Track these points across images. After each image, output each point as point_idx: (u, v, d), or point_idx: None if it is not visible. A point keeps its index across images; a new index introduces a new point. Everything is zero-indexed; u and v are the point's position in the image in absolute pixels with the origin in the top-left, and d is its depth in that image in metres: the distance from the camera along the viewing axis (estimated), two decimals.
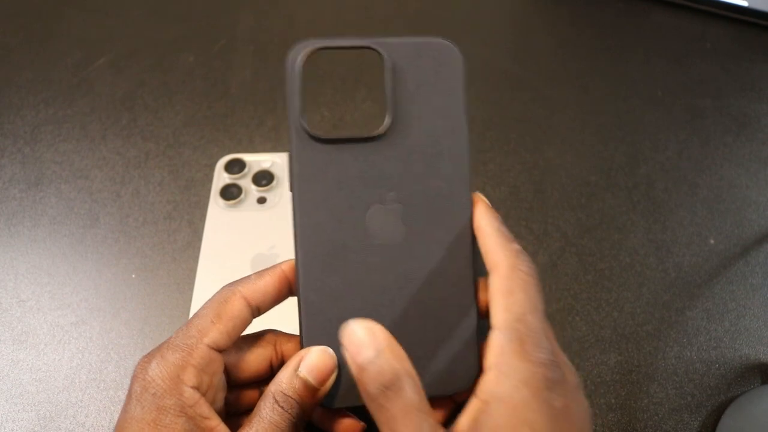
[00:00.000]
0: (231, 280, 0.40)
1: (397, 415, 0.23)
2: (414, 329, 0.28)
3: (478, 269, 0.28)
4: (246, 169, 0.44)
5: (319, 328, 0.27)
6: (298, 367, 0.26)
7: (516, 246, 0.27)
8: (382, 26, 0.58)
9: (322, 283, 0.28)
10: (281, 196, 0.43)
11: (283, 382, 0.25)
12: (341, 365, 0.26)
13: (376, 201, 0.28)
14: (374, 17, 0.59)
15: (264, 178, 0.43)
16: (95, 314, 0.39)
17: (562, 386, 0.24)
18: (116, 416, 0.35)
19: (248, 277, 0.28)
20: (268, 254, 0.40)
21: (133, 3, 0.59)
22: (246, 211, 0.42)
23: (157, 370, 0.25)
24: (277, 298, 0.28)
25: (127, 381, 0.36)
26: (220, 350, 0.26)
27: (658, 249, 0.43)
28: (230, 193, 0.42)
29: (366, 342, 0.24)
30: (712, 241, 0.43)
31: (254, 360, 0.28)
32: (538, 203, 0.45)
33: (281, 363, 0.29)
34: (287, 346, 0.29)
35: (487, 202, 0.29)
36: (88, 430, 0.34)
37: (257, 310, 0.28)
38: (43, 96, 0.51)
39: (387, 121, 0.28)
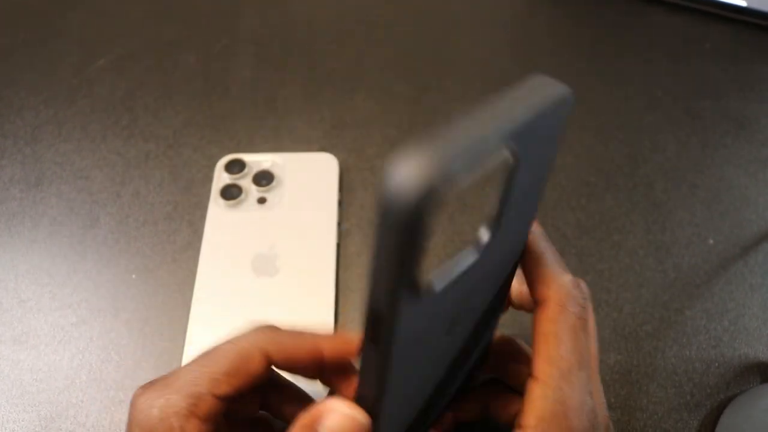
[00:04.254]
0: (231, 281, 0.40)
1: None
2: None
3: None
4: (246, 170, 0.44)
5: None
6: (314, 424, 0.22)
7: (568, 278, 0.24)
8: (382, 27, 0.58)
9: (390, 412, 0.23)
10: (281, 196, 0.43)
11: None
12: None
13: (447, 330, 0.22)
14: (374, 18, 0.59)
15: (264, 178, 0.43)
16: (95, 314, 0.39)
17: None
18: (117, 416, 0.35)
19: (281, 331, 0.25)
20: (269, 254, 0.40)
21: (133, 3, 0.59)
22: (246, 212, 0.42)
23: (158, 414, 0.23)
24: (299, 371, 0.26)
25: (128, 381, 0.36)
26: (227, 400, 0.25)
27: (657, 249, 0.43)
28: (230, 193, 0.43)
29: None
30: (711, 242, 0.43)
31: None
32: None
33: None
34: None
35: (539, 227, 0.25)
36: (89, 430, 0.34)
37: (275, 366, 0.25)
38: (43, 96, 0.51)
39: (489, 235, 0.20)
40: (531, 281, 0.24)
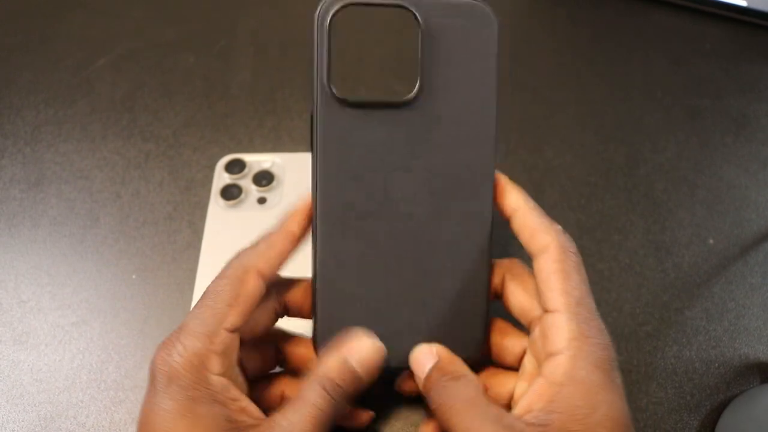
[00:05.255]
0: None
1: (460, 407, 0.24)
2: (428, 297, 0.28)
3: (493, 242, 0.29)
4: (246, 170, 0.44)
5: (336, 295, 0.28)
6: (346, 354, 0.26)
7: (558, 226, 0.28)
8: (383, 27, 0.58)
9: (340, 249, 0.27)
10: (281, 196, 0.43)
11: (333, 370, 0.25)
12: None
13: (400, 168, 0.27)
14: (374, 18, 0.59)
15: (264, 178, 0.43)
16: (95, 314, 0.39)
17: (616, 364, 0.26)
18: (117, 416, 0.35)
19: (257, 246, 0.28)
20: None
21: (133, 3, 0.59)
22: (246, 212, 0.42)
23: (180, 361, 0.24)
24: (287, 261, 0.28)
25: (128, 381, 0.36)
26: (237, 331, 0.26)
27: (657, 249, 0.43)
28: (230, 193, 0.43)
29: (429, 352, 0.27)
30: (711, 242, 0.43)
31: (261, 317, 0.28)
32: (537, 204, 0.45)
33: (284, 310, 0.29)
34: (290, 294, 0.29)
35: (511, 181, 0.29)
36: (89, 430, 0.34)
37: (269, 280, 0.28)
38: (43, 96, 0.51)
39: (416, 86, 0.27)
40: (530, 232, 0.28)
